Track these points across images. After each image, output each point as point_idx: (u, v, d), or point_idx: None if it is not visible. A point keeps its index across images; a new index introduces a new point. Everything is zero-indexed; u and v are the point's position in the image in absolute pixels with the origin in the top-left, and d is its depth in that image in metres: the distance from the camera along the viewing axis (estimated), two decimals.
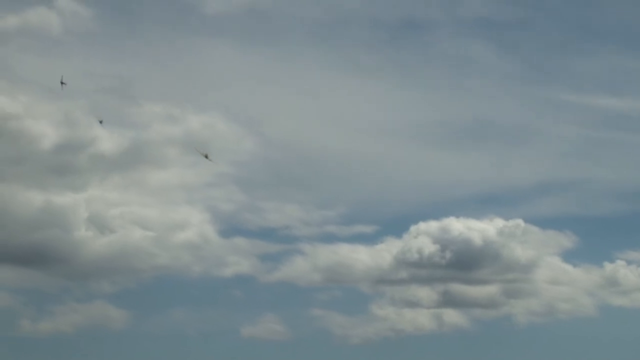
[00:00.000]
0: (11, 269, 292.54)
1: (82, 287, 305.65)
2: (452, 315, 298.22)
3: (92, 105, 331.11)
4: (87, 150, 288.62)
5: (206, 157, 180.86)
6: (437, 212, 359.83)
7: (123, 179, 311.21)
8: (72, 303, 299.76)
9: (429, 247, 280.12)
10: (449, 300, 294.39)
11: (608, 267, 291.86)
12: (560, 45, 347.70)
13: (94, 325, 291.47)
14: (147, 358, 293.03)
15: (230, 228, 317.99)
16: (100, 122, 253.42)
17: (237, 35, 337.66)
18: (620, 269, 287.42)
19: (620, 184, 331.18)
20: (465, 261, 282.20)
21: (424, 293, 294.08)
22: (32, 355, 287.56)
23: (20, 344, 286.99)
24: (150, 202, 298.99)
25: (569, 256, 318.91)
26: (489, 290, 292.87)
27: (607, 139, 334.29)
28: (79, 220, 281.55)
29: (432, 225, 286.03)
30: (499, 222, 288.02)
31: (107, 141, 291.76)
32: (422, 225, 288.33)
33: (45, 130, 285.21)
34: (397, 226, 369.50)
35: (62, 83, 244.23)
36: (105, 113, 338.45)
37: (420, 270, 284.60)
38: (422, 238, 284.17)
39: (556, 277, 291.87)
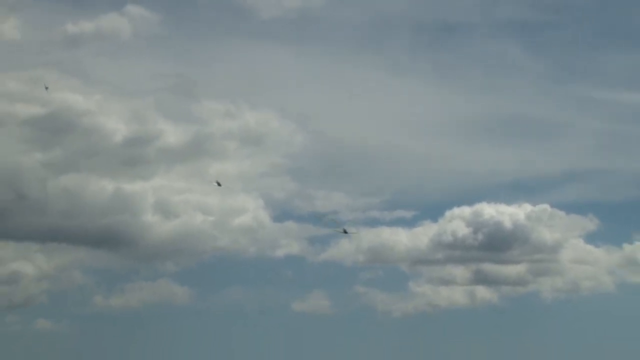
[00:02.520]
0: (85, 250, 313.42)
1: (149, 267, 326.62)
2: (483, 292, 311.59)
3: (158, 103, 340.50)
4: (154, 143, 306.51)
5: (218, 184, 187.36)
6: (470, 198, 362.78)
7: (186, 169, 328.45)
8: (140, 281, 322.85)
9: (462, 230, 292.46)
10: (480, 279, 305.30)
11: (627, 248, 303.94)
12: (587, 45, 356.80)
13: (160, 302, 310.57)
14: (207, 331, 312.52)
15: (282, 213, 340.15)
16: (46, 88, 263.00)
17: (289, 39, 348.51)
18: (638, 249, 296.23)
19: (639, 173, 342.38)
20: (495, 243, 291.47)
21: (458, 272, 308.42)
22: (105, 329, 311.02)
23: (94, 318, 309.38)
24: (210, 190, 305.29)
25: (592, 238, 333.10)
26: (517, 269, 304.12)
27: (628, 132, 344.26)
28: (146, 206, 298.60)
29: (466, 210, 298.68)
30: (527, 207, 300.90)
31: (172, 135, 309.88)
32: (456, 210, 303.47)
33: (116, 125, 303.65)
34: (433, 211, 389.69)
35: (46, 88, 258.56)
36: (170, 110, 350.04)
37: (454, 251, 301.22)
38: (457, 222, 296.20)
39: (580, 257, 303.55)
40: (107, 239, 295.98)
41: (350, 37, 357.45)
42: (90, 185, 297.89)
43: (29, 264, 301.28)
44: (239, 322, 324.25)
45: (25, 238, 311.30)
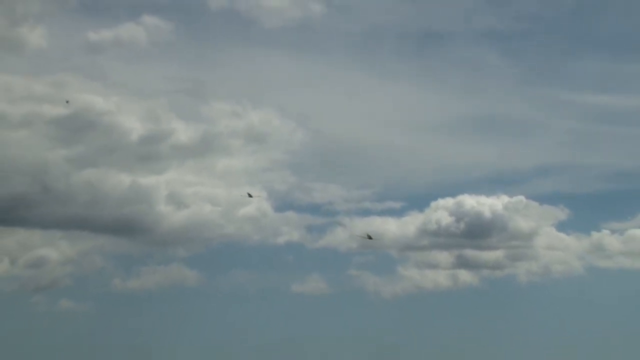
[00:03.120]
0: (105, 237, 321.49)
1: (162, 252, 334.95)
2: (465, 275, 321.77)
3: (170, 104, 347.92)
4: (167, 141, 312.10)
5: (250, 195, 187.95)
6: (453, 190, 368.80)
7: (196, 164, 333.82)
8: (154, 265, 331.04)
9: (446, 219, 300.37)
10: (462, 263, 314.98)
11: (595, 235, 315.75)
12: (557, 51, 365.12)
13: (172, 284, 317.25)
14: (214, 310, 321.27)
15: (283, 204, 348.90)
16: (67, 101, 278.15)
17: (290, 46, 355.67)
18: (605, 237, 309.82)
19: (606, 167, 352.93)
20: (476, 231, 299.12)
21: (442, 257, 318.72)
22: (123, 308, 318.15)
23: (113, 298, 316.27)
24: (218, 183, 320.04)
25: (563, 227, 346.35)
26: (496, 255, 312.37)
27: (596, 131, 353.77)
28: (160, 198, 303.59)
29: (449, 201, 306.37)
30: (505, 199, 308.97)
31: (183, 133, 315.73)
32: (441, 201, 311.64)
33: (132, 124, 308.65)
34: (419, 202, 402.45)
35: (67, 101, 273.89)
36: (181, 110, 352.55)
37: (438, 238, 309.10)
38: (441, 212, 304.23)
39: (552, 244, 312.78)
40: (125, 227, 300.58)
41: (345, 45, 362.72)
42: (109, 179, 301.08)
43: (54, 249, 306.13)
44: (243, 302, 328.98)
45: (51, 226, 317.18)
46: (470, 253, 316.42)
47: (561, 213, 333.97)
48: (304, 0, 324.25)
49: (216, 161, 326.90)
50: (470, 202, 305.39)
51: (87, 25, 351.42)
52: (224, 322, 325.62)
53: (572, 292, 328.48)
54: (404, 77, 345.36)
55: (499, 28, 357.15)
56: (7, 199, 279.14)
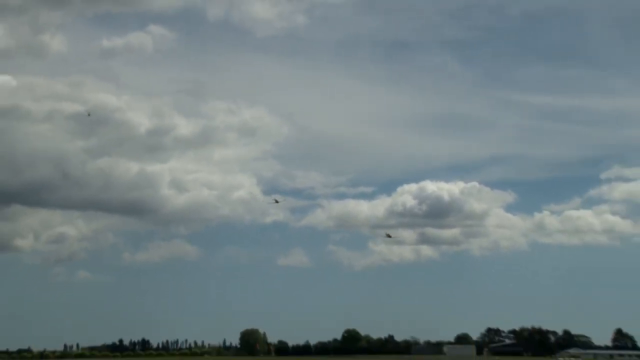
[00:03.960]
0: (116, 217, 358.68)
1: (165, 230, 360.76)
2: (426, 250, 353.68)
3: (174, 102, 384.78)
4: (170, 134, 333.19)
5: (276, 201, 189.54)
6: (416, 177, 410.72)
7: (195, 154, 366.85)
8: (158, 241, 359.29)
9: (410, 202, 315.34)
10: (424, 240, 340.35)
11: (537, 216, 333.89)
12: (507, 58, 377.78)
13: (174, 257, 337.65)
14: (211, 281, 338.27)
15: (270, 189, 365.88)
16: (89, 114, 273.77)
17: (278, 52, 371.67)
18: (545, 217, 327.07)
19: (547, 158, 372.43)
20: (436, 212, 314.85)
21: (407, 234, 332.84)
22: (132, 278, 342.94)
23: (123, 270, 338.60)
24: (214, 170, 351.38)
25: (510, 208, 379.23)
26: (453, 232, 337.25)
27: (539, 127, 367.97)
28: (164, 183, 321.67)
29: (413, 187, 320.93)
30: (461, 184, 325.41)
31: (185, 128, 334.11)
32: (406, 187, 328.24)
33: (140, 120, 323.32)
34: (388, 187, 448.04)
35: (88, 114, 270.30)
36: (183, 107, 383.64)
37: (404, 218, 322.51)
38: (406, 196, 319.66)
39: (500, 223, 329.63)
40: (133, 208, 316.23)
41: (325, 52, 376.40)
42: (119, 167, 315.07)
43: (72, 227, 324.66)
44: (236, 274, 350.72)
45: (69, 207, 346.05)
46: (431, 231, 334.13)
47: (509, 197, 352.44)
48: (290, 12, 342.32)
49: (213, 152, 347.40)
50: (431, 187, 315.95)
51: (101, 33, 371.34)
52: (219, 291, 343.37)
53: (518, 264, 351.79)
54: (375, 80, 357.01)
55: (457, 38, 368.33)
56: (32, 183, 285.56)
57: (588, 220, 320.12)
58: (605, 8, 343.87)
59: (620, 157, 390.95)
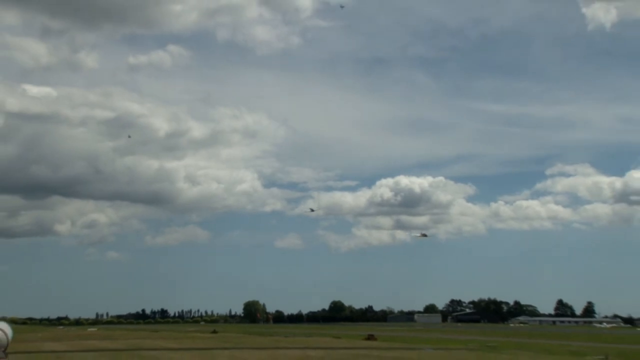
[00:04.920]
0: (140, 206, 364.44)
1: (181, 217, 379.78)
2: (401, 234, 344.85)
3: (188, 109, 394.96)
4: (185, 136, 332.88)
5: (312, 210, 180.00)
6: (393, 172, 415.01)
7: (206, 153, 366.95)
8: (175, 227, 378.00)
9: (387, 194, 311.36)
10: (399, 225, 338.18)
11: (493, 205, 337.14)
12: (467, 73, 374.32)
13: (188, 240, 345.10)
14: (218, 260, 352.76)
15: (269, 182, 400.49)
16: (129, 136, 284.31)
17: (275, 68, 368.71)
18: (500, 206, 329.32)
19: (501, 157, 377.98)
20: (409, 202, 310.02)
21: (384, 221, 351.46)
22: (152, 258, 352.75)
23: (146, 251, 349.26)
24: (222, 167, 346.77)
25: (471, 199, 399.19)
26: (423, 219, 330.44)
27: (494, 130, 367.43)
28: (180, 177, 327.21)
29: (389, 181, 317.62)
30: (430, 179, 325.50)
31: (197, 131, 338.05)
32: (384, 181, 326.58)
33: (160, 124, 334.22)
34: (368, 181, 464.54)
35: (129, 136, 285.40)
36: (196, 114, 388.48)
37: (382, 207, 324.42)
38: (383, 188, 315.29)
39: (463, 211, 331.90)
40: (154, 199, 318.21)
41: (315, 67, 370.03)
42: (142, 163, 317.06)
43: (103, 215, 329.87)
44: (239, 254, 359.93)
45: (100, 198, 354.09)
46: (404, 218, 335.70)
47: (470, 189, 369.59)
48: (286, 34, 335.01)
49: (221, 151, 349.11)
50: (405, 181, 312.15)
51: (127, 52, 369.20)
52: (225, 268, 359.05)
53: (477, 246, 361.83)
54: (357, 91, 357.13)
55: (425, 56, 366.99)
56: (69, 178, 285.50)
57: (535, 209, 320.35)
58: (548, 31, 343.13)
59: (561, 156, 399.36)
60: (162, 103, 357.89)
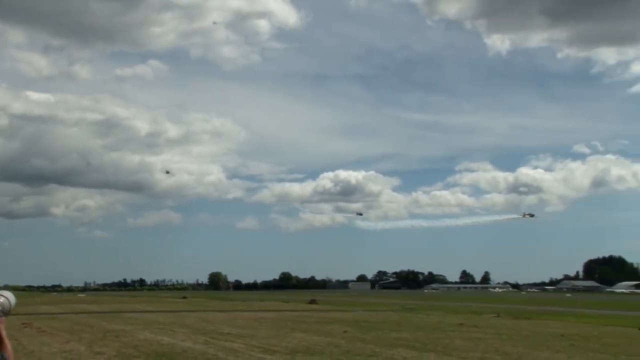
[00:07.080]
0: (123, 193, 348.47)
1: (158, 203, 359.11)
2: (339, 218, 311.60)
3: (166, 114, 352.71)
4: (163, 135, 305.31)
5: (167, 172, 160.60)
6: (333, 167, 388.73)
7: (180, 150, 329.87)
8: (153, 211, 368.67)
9: (328, 185, 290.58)
10: (338, 210, 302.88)
11: (413, 194, 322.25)
12: (394, 87, 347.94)
13: (163, 222, 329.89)
14: (189, 238, 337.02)
15: (232, 175, 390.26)
16: (167, 172, 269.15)
17: (238, 80, 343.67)
18: (419, 196, 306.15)
19: (420, 155, 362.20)
20: (346, 191, 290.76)
21: (326, 207, 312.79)
22: (134, 237, 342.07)
23: (127, 231, 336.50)
24: (193, 161, 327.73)
25: (396, 189, 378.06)
26: (357, 206, 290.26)
27: (415, 134, 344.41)
28: (157, 170, 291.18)
29: (331, 174, 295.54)
30: (363, 172, 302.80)
31: (173, 131, 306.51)
32: (325, 174, 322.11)
33: (142, 125, 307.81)
34: (313, 174, 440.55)
35: (167, 172, 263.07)
36: (173, 117, 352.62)
37: (324, 196, 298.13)
38: (325, 180, 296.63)
39: (389, 199, 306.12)
40: (135, 187, 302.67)
41: (272, 81, 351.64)
42: (126, 158, 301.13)
43: (92, 200, 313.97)
44: (207, 234, 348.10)
45: (90, 186, 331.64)
46: (342, 204, 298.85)
47: (395, 181, 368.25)
48: (247, 53, 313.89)
49: (192, 148, 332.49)
50: (343, 174, 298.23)
51: (115, 65, 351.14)
52: (194, 245, 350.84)
53: (400, 230, 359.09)
54: (305, 101, 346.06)
55: (361, 73, 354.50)
56: (64, 169, 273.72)
57: (447, 198, 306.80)
58: (457, 56, 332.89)
59: (467, 155, 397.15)
60: (144, 108, 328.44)
